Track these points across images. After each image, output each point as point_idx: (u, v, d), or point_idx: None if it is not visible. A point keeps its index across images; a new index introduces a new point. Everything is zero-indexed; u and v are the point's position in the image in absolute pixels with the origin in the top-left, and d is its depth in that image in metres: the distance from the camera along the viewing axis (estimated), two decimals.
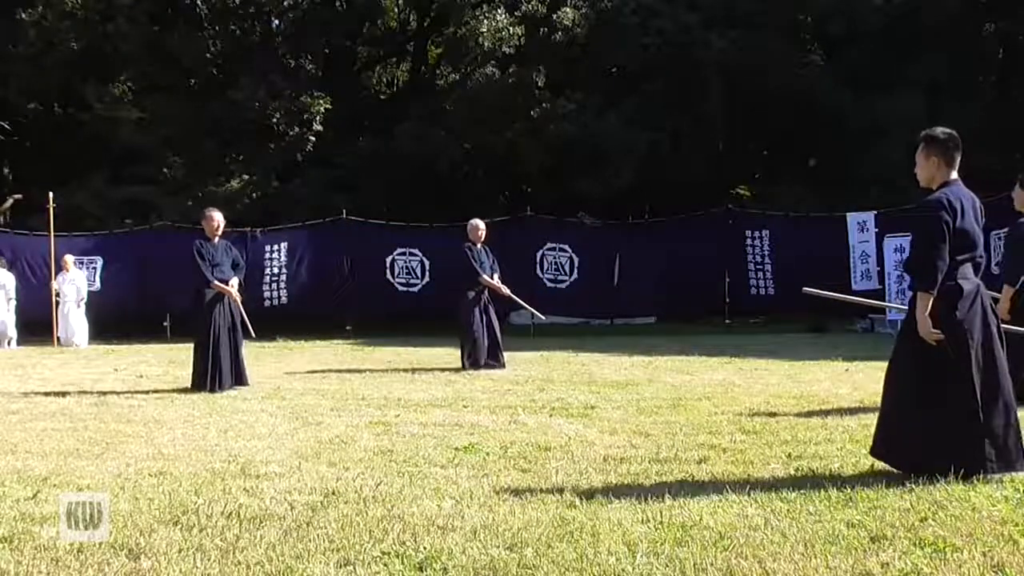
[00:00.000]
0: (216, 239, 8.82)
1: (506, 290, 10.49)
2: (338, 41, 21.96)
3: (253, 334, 9.08)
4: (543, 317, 10.94)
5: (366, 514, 3.93)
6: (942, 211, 4.35)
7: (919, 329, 4.36)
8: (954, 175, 4.55)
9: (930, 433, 4.35)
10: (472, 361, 10.17)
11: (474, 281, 10.33)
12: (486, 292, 10.37)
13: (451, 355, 10.80)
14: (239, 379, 8.65)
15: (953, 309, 4.36)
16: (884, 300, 14.26)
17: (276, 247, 17.11)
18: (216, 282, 8.57)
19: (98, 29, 18.92)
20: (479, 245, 10.41)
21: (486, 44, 19.79)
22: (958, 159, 4.55)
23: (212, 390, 8.31)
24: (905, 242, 13.51)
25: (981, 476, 4.24)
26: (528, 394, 7.92)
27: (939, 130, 4.60)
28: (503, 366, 10.16)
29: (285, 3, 21.51)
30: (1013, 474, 4.32)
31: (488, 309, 10.32)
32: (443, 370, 10.15)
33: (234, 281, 8.76)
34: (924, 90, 18.06)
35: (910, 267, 4.62)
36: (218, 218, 8.80)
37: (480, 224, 10.52)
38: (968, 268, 4.46)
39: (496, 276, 10.48)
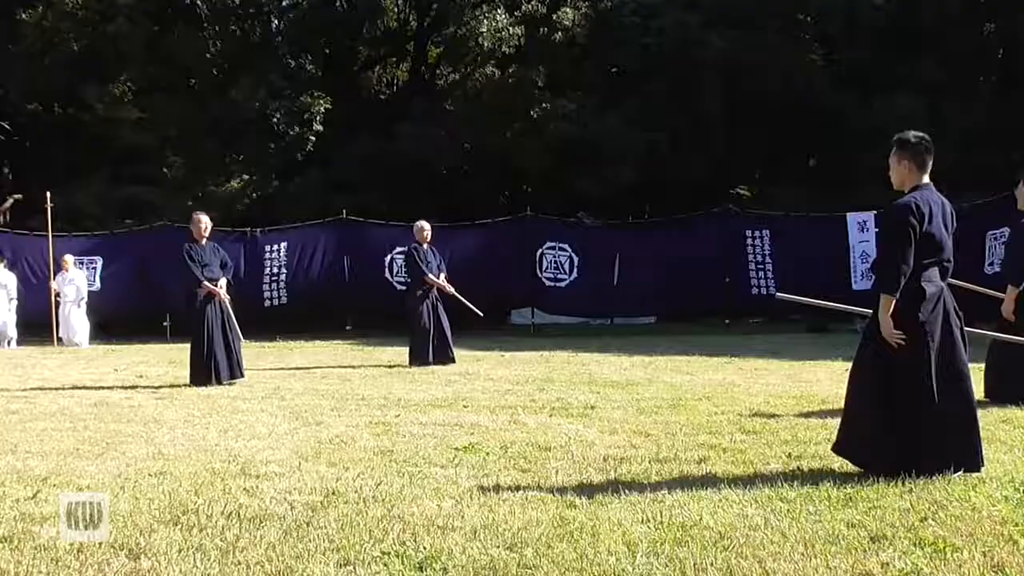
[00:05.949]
0: (204, 241, 9.25)
1: (451, 288, 11.03)
2: (338, 41, 21.93)
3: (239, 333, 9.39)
4: (480, 314, 11.43)
5: (366, 514, 3.93)
6: (909, 215, 4.40)
7: (881, 330, 4.42)
8: (926, 179, 4.58)
9: (889, 432, 4.41)
10: (419, 359, 10.56)
11: (420, 281, 10.84)
12: (434, 291, 10.86)
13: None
14: (235, 372, 9.06)
15: (915, 311, 4.40)
16: None
17: (276, 247, 17.10)
18: (206, 282, 9.03)
19: (98, 29, 18.91)
20: (425, 246, 10.98)
21: (486, 44, 19.77)
22: (930, 163, 4.59)
23: (210, 384, 8.72)
24: None
25: (939, 475, 4.29)
26: (528, 394, 7.92)
27: (911, 134, 4.63)
28: (453, 361, 10.61)
29: (285, 3, 21.51)
30: (976, 473, 4.38)
31: (437, 307, 10.81)
32: (443, 370, 10.14)
33: (222, 281, 9.23)
34: (924, 90, 18.02)
35: (875, 269, 4.67)
36: (205, 221, 9.30)
37: (426, 225, 11.10)
38: (934, 271, 4.50)
39: (442, 275, 11.03)
